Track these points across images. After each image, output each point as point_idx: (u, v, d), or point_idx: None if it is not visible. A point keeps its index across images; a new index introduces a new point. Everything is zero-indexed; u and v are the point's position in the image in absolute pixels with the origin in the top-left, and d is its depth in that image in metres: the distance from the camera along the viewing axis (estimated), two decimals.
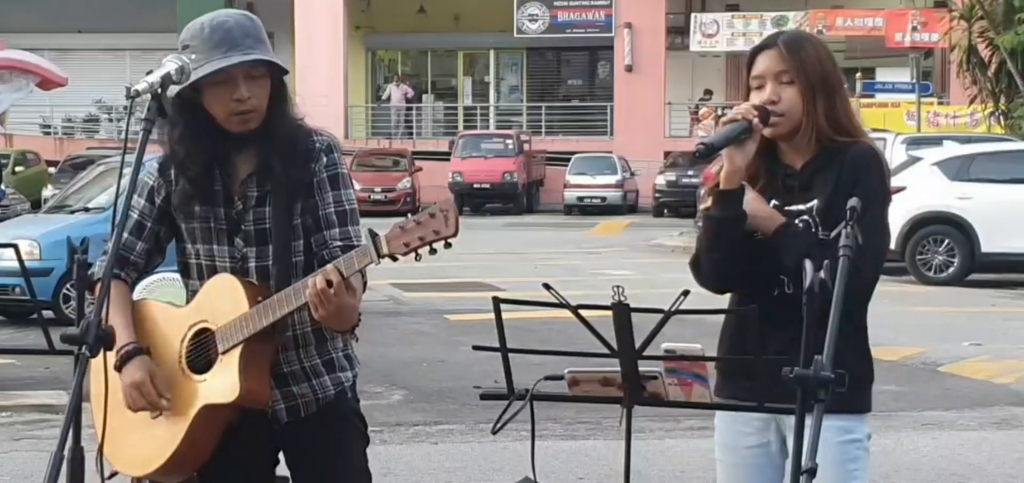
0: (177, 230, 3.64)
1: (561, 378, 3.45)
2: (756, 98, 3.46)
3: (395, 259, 3.25)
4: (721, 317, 3.54)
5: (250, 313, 3.39)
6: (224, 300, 3.45)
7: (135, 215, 3.63)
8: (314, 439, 3.61)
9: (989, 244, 17.80)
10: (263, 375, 3.47)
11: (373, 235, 3.26)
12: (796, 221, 3.39)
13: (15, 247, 4.02)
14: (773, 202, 3.35)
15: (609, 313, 3.25)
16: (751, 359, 3.42)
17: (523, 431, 3.73)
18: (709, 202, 3.46)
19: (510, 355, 3.42)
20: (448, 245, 3.23)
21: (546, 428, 8.37)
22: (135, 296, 5.40)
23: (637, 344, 3.29)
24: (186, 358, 3.50)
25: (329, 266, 3.27)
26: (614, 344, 3.30)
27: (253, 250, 3.53)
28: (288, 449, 3.65)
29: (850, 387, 3.39)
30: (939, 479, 7.50)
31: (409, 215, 3.27)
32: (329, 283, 3.23)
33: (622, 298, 3.22)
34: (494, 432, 3.56)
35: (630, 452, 3.46)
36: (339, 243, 3.48)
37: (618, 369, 3.35)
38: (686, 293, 3.17)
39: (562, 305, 3.28)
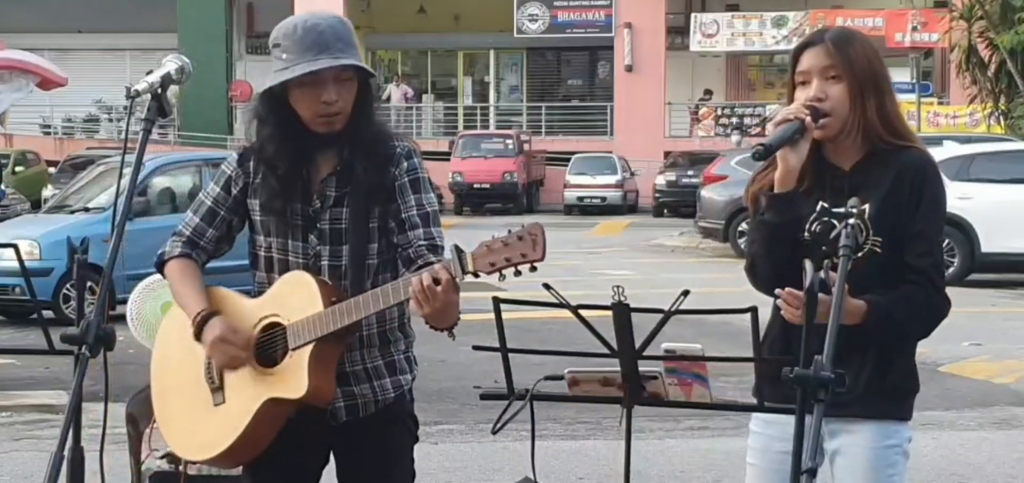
0: (250, 221, 3.68)
1: (561, 378, 3.45)
2: (801, 95, 3.40)
3: (477, 276, 3.27)
4: (721, 317, 3.53)
5: (325, 314, 3.41)
6: (298, 297, 3.47)
7: (208, 202, 3.69)
8: (368, 439, 3.63)
9: (989, 244, 17.80)
10: (330, 374, 3.49)
11: (459, 251, 3.28)
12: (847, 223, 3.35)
13: (15, 247, 4.01)
14: (821, 204, 3.31)
15: (609, 313, 3.25)
16: (752, 359, 3.42)
17: (523, 431, 3.73)
18: (762, 205, 3.40)
19: (510, 355, 3.42)
20: (533, 268, 3.24)
21: (546, 428, 8.37)
22: (132, 298, 5.45)
23: (637, 344, 3.29)
24: (255, 350, 3.52)
25: (437, 265, 3.29)
26: (614, 344, 3.30)
27: (326, 248, 3.56)
28: (340, 448, 3.67)
29: (895, 396, 3.42)
30: (939, 479, 7.50)
31: (495, 235, 3.28)
32: (436, 281, 3.24)
33: (622, 298, 3.22)
34: (494, 432, 3.56)
35: (630, 452, 3.46)
36: (424, 242, 3.51)
37: (618, 369, 3.35)
38: (686, 293, 3.17)
39: (562, 305, 3.28)
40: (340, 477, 3.70)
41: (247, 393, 3.50)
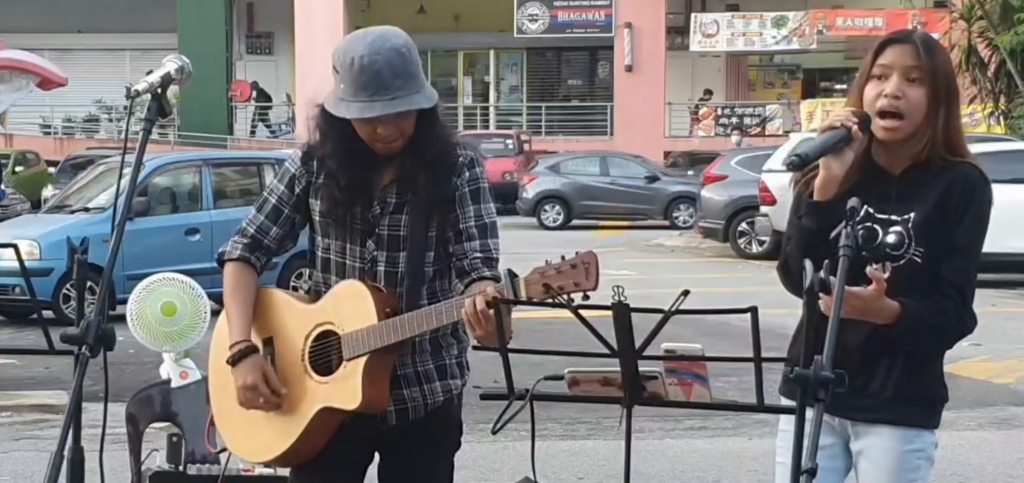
0: (310, 220, 3.69)
1: (561, 378, 3.45)
2: (873, 90, 3.31)
3: (531, 302, 3.28)
4: (721, 317, 3.53)
5: (379, 327, 3.42)
6: (353, 307, 3.48)
7: (273, 200, 3.69)
8: (414, 442, 3.65)
9: (989, 244, 17.41)
10: (383, 385, 3.51)
11: (512, 275, 3.29)
12: (890, 231, 3.30)
13: (15, 247, 4.02)
14: (866, 208, 3.28)
15: (609, 313, 3.25)
16: (752, 359, 3.42)
17: (523, 431, 3.73)
18: (801, 209, 3.37)
19: (510, 355, 3.42)
20: (586, 297, 3.26)
21: (546, 428, 8.37)
22: (132, 298, 5.46)
23: (637, 344, 3.29)
24: (309, 357, 3.53)
25: (490, 289, 3.29)
26: (614, 344, 3.30)
27: (383, 254, 3.57)
28: (385, 449, 3.68)
29: (923, 403, 3.40)
30: (939, 479, 7.48)
31: (548, 260, 3.28)
32: (489, 305, 3.24)
33: (622, 298, 3.22)
34: (494, 432, 3.56)
35: (630, 452, 3.46)
36: (479, 255, 3.53)
37: (618, 369, 3.35)
38: (686, 293, 3.16)
39: (562, 305, 3.28)
40: (381, 476, 3.72)
41: (303, 401, 3.53)
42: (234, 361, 3.53)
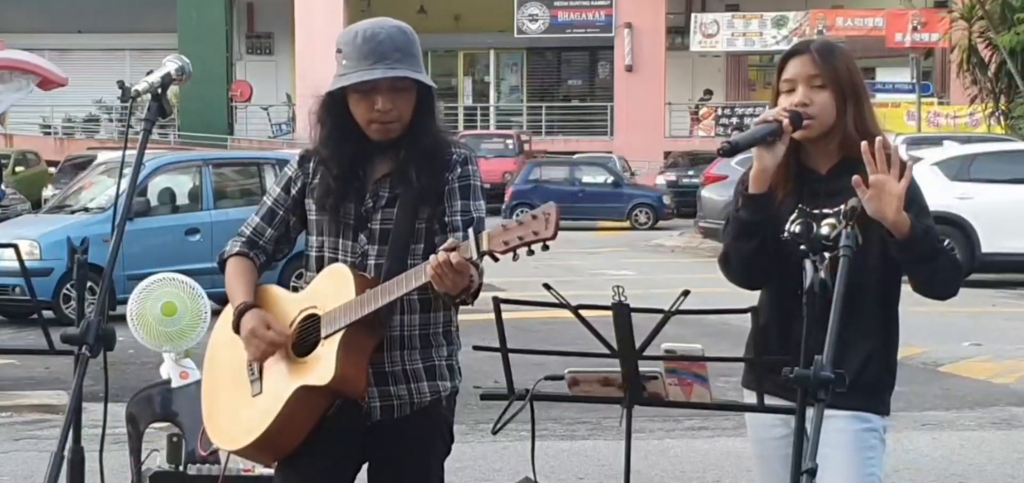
0: (305, 222, 3.71)
1: (561, 378, 3.46)
2: (786, 101, 3.51)
3: (496, 258, 3.29)
4: (721, 317, 3.55)
5: (354, 300, 3.45)
6: (334, 287, 3.51)
7: (269, 202, 3.74)
8: (401, 440, 3.64)
9: (989, 244, 17.77)
10: (361, 364, 3.51)
11: (477, 231, 3.30)
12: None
13: (15, 247, 4.02)
14: (800, 205, 3.37)
15: (609, 313, 3.25)
16: (752, 359, 3.43)
17: (523, 431, 3.74)
18: (739, 203, 3.50)
19: (510, 355, 3.43)
20: (545, 247, 3.26)
21: (546, 428, 8.37)
22: (132, 298, 5.46)
23: (637, 344, 3.30)
24: (293, 341, 3.56)
25: (456, 248, 3.31)
26: (614, 344, 3.31)
27: (374, 248, 3.59)
28: (373, 448, 3.67)
29: (873, 390, 3.49)
30: (939, 479, 7.50)
31: (515, 215, 3.30)
32: (452, 263, 3.27)
33: (622, 298, 3.22)
34: (494, 432, 3.57)
35: (630, 452, 3.47)
36: None
37: (618, 369, 3.35)
38: (686, 293, 3.17)
39: (562, 305, 3.29)
40: (370, 477, 3.71)
41: (281, 382, 3.53)
42: (237, 318, 3.56)
